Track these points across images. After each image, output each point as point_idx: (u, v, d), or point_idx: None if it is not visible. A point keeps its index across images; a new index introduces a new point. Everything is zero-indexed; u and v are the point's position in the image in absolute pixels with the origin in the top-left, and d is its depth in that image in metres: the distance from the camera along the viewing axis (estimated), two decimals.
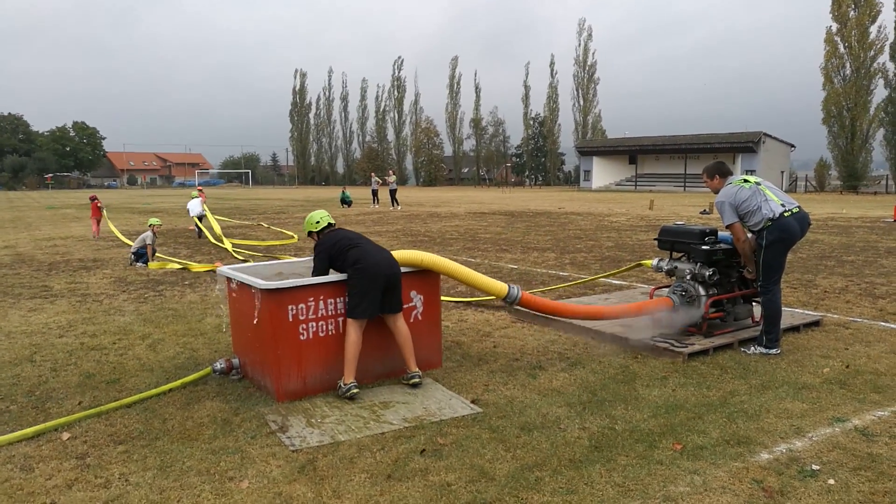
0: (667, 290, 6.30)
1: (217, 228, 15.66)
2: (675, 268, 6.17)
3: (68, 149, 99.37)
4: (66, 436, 4.14)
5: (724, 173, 5.96)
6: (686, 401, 4.57)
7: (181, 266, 11.40)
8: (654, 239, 6.66)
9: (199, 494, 3.37)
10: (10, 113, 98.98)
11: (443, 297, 6.25)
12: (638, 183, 62.64)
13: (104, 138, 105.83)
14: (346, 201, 31.66)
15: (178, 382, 5.04)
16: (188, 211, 17.74)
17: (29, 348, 6.24)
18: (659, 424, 4.16)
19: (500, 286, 5.33)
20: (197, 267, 11.19)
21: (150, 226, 12.17)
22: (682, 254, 6.25)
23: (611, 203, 33.90)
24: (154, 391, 4.87)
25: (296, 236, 16.99)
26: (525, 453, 3.77)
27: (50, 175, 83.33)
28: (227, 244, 14.32)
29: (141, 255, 11.65)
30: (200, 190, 19.81)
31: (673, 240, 6.26)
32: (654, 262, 6.46)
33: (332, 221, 5.21)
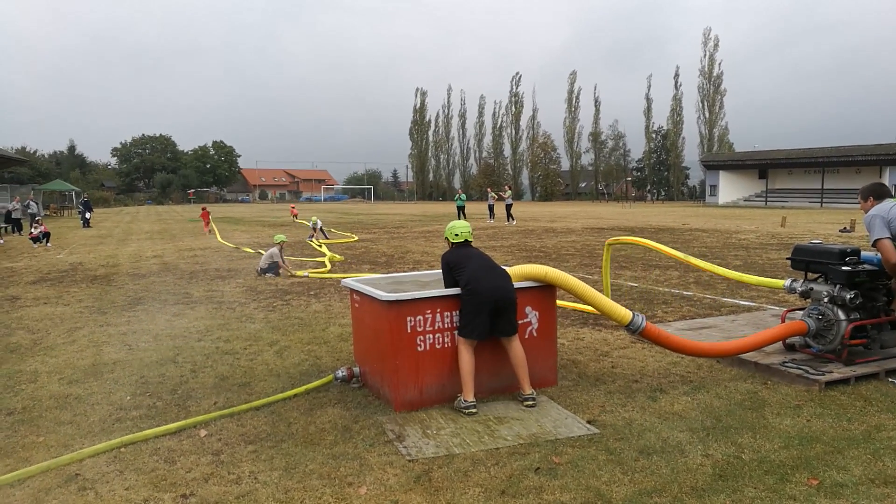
0: (800, 313, 5.90)
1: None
2: (811, 289, 5.77)
3: (208, 166, 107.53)
4: (203, 433, 4.46)
5: (881, 195, 5.49)
6: (823, 433, 4.24)
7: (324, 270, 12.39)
8: (787, 258, 6.26)
9: (321, 497, 3.52)
10: (160, 134, 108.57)
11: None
12: (768, 198, 59.09)
13: (239, 156, 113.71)
14: (460, 208, 32.46)
15: (303, 388, 5.29)
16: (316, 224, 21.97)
17: (173, 350, 6.78)
18: (791, 456, 3.89)
19: (624, 312, 5.09)
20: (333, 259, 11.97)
21: (277, 243, 12.89)
22: (818, 275, 5.84)
23: (739, 219, 32.16)
24: (280, 395, 5.15)
25: (356, 237, 22.12)
26: (643, 477, 3.65)
27: (192, 190, 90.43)
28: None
29: (267, 271, 12.32)
30: (293, 206, 24.67)
31: (808, 259, 5.86)
32: (787, 282, 6.07)
33: (469, 239, 5.20)
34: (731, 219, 33.07)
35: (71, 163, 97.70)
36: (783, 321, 6.00)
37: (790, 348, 5.93)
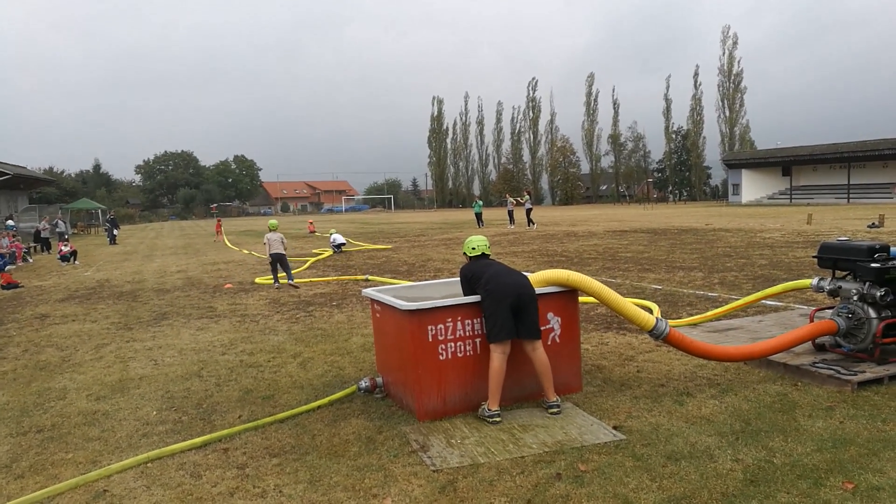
0: (829, 312, 5.78)
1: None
2: (839, 288, 5.65)
3: (230, 180, 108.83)
4: (227, 447, 4.47)
5: None
6: (857, 435, 4.14)
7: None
8: (814, 256, 6.14)
9: None
10: (182, 150, 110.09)
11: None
12: (793, 196, 58.25)
13: (260, 169, 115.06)
14: (478, 214, 33.42)
15: (326, 400, 5.30)
16: (334, 240, 20.76)
17: (197, 364, 6.84)
18: (825, 459, 3.80)
19: (647, 318, 5.02)
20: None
21: (275, 229, 13.24)
22: (846, 272, 5.72)
23: (763, 218, 31.74)
24: (304, 408, 5.15)
25: (391, 246, 22.51)
26: (672, 484, 3.58)
27: (214, 205, 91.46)
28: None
29: (281, 260, 12.60)
30: (310, 222, 25.64)
31: (836, 257, 5.74)
32: (815, 281, 5.95)
33: (488, 253, 5.22)
34: (755, 217, 32.65)
35: (97, 181, 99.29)
36: (812, 321, 5.89)
37: (820, 348, 5.81)
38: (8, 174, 37.86)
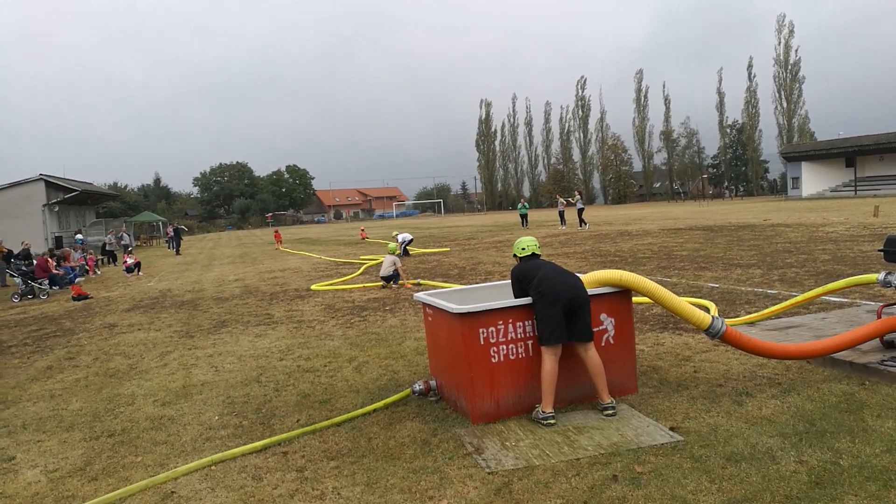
0: None
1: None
2: None
3: (283, 189, 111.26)
4: (286, 450, 4.58)
5: None
6: None
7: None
8: (880, 250, 5.91)
9: None
10: (237, 161, 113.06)
11: None
12: (858, 187, 55.97)
13: (313, 178, 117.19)
14: (523, 216, 33.95)
15: (381, 403, 5.37)
16: (403, 240, 20.94)
17: (256, 370, 7.02)
18: (895, 461, 3.65)
19: (703, 316, 4.92)
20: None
21: (393, 252, 13.50)
22: None
23: (825, 212, 30.60)
24: (360, 411, 5.24)
25: (448, 249, 22.82)
26: (732, 486, 3.51)
27: (269, 214, 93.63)
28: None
29: (390, 278, 13.07)
30: (362, 229, 26.86)
31: None
32: (881, 275, 5.73)
33: (538, 252, 5.20)
34: (816, 211, 31.51)
35: (157, 194, 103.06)
36: (879, 317, 5.66)
37: (889, 346, 5.59)
38: (77, 190, 39.63)
